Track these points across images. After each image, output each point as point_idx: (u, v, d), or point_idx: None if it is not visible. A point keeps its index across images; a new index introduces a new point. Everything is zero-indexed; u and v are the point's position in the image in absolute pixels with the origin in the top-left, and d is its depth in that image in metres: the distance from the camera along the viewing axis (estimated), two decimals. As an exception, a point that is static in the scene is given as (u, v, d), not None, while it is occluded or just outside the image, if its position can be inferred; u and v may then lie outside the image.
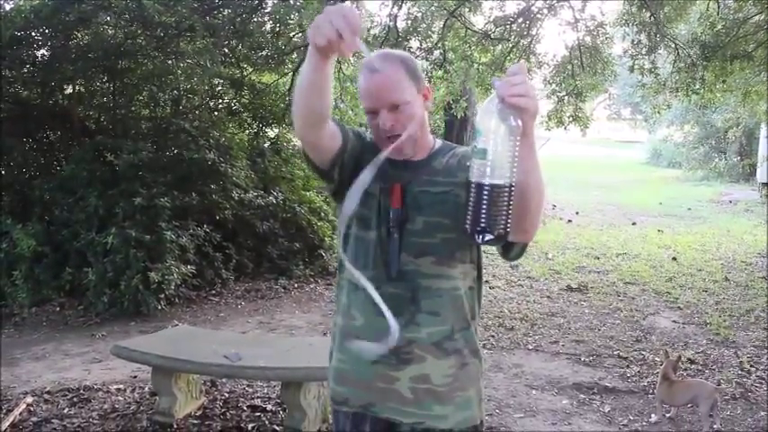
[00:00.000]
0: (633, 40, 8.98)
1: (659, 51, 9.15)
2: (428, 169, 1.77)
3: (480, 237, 1.40)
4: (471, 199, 1.39)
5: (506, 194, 1.38)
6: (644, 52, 8.91)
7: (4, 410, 4.15)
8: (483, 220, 1.38)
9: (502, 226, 1.40)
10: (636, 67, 8.86)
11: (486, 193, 1.37)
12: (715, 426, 3.93)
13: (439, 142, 1.87)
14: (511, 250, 1.67)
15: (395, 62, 1.73)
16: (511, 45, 9.30)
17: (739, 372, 4.92)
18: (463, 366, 1.77)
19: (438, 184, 1.74)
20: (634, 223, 12.85)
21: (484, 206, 1.37)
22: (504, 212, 1.39)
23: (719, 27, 8.53)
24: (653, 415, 4.12)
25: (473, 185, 1.39)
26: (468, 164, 1.47)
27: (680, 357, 4.46)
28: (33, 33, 7.31)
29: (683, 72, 8.88)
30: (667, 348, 4.62)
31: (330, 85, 1.55)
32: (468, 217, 1.40)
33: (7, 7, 7.51)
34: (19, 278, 6.39)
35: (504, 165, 1.36)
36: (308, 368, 3.59)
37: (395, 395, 1.74)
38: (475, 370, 1.81)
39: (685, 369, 4.94)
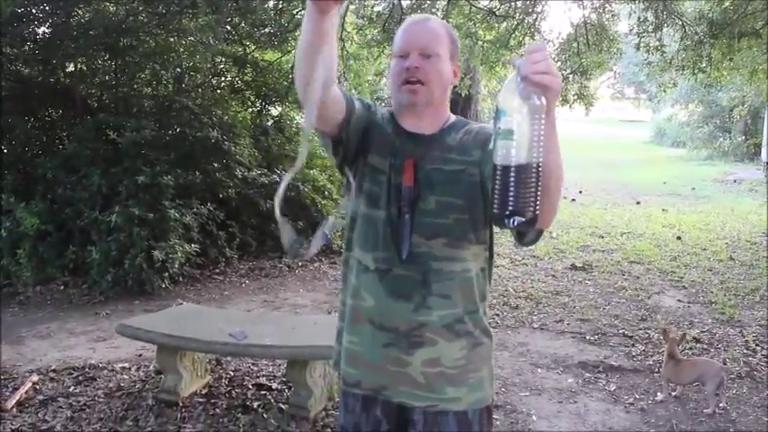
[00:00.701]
0: (639, 18, 8.89)
1: (666, 29, 9.06)
2: (441, 145, 1.72)
3: (511, 221, 1.33)
4: (498, 182, 1.33)
5: (534, 175, 1.32)
6: (650, 30, 8.82)
7: (10, 388, 4.15)
8: (511, 203, 1.32)
9: (532, 208, 1.33)
10: (642, 44, 8.78)
11: (513, 174, 1.31)
12: (721, 404, 3.93)
13: (453, 117, 1.81)
14: (526, 235, 1.62)
15: (442, 23, 1.80)
16: (516, 22, 9.23)
17: (745, 350, 4.91)
18: (474, 347, 1.74)
19: (451, 162, 1.70)
20: (638, 202, 12.82)
21: (512, 188, 1.31)
22: (533, 194, 1.33)
23: (727, 4, 8.43)
24: (659, 393, 4.12)
25: (499, 168, 1.33)
26: (484, 142, 1.43)
27: (684, 336, 4.45)
28: (34, 10, 7.23)
29: (689, 50, 8.81)
30: (666, 327, 4.59)
31: (333, 45, 1.48)
32: (496, 201, 1.34)
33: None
34: (23, 257, 6.37)
35: (530, 144, 1.31)
36: (314, 346, 3.58)
37: (407, 379, 1.71)
38: (486, 350, 1.78)
39: (691, 348, 4.93)
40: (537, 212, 1.34)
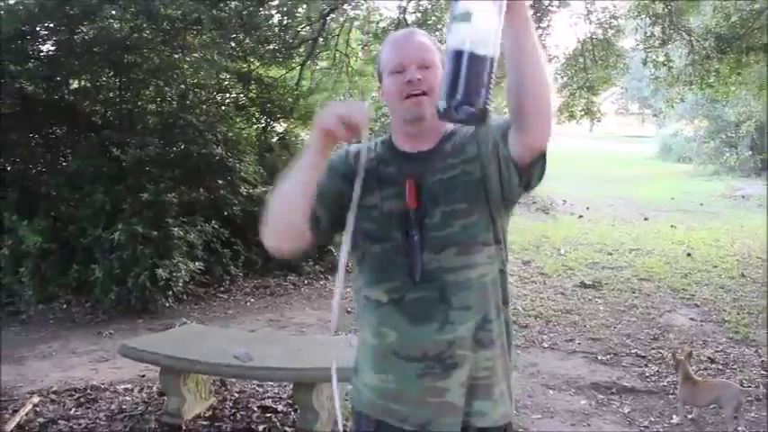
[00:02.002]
0: (646, 33, 8.86)
1: (672, 44, 9.03)
2: (440, 155, 1.65)
3: (458, 111, 1.23)
4: (449, 68, 1.24)
5: (489, 66, 1.22)
6: (657, 45, 8.78)
7: (10, 410, 4.06)
8: (461, 92, 1.22)
9: (483, 100, 1.23)
10: (649, 60, 8.74)
11: (466, 60, 1.21)
12: (739, 428, 3.82)
13: (451, 126, 1.72)
14: (532, 167, 1.53)
15: (426, 34, 1.75)
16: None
17: (762, 371, 4.79)
18: (499, 358, 1.66)
19: (451, 168, 1.63)
20: (646, 218, 12.71)
21: (463, 76, 1.21)
22: (485, 86, 1.23)
23: (735, 19, 8.39)
24: (674, 416, 4.01)
25: (451, 53, 1.23)
26: (479, 134, 1.38)
27: (690, 353, 4.34)
28: (38, 27, 7.21)
29: (696, 65, 8.77)
30: (673, 351, 4.44)
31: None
32: (444, 89, 1.24)
33: (11, 1, 7.41)
34: (25, 275, 6.31)
35: (487, 33, 1.22)
36: (320, 368, 3.47)
37: (449, 408, 1.61)
38: (508, 363, 1.70)
39: (705, 368, 4.82)
40: (488, 107, 1.24)
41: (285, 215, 1.60)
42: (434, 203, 1.61)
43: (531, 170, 1.54)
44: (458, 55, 1.23)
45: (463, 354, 1.60)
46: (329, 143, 1.53)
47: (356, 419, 1.77)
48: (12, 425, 3.82)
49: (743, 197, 16.10)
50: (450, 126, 1.71)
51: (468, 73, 1.22)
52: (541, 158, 1.53)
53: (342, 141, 1.50)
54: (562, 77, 10.07)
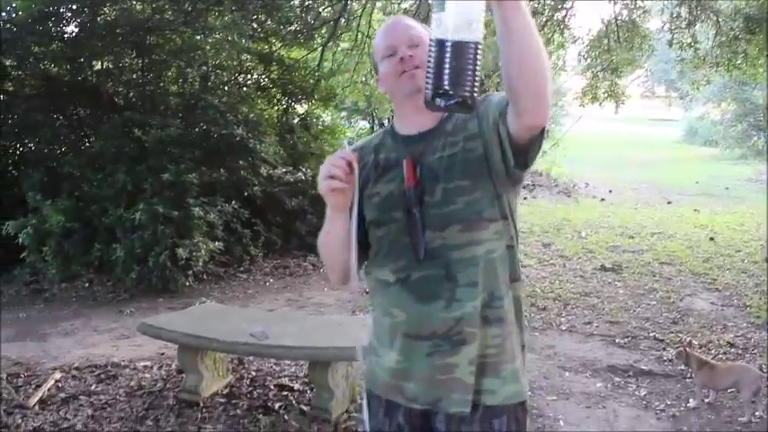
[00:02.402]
0: (672, 14, 8.70)
1: (699, 25, 8.86)
2: (442, 133, 1.66)
3: (443, 101, 1.26)
4: (432, 58, 1.26)
5: (473, 52, 1.24)
6: (683, 26, 8.62)
7: (33, 386, 4.15)
8: (447, 81, 1.24)
9: (468, 89, 1.25)
10: (675, 41, 8.58)
11: (449, 49, 1.23)
12: (757, 413, 3.78)
13: None
14: (531, 144, 1.53)
15: (413, 19, 1.81)
16: (545, 19, 9.06)
17: (782, 356, 4.75)
18: (508, 336, 1.65)
19: (452, 145, 1.63)
20: (669, 202, 12.58)
21: (447, 64, 1.24)
22: (470, 74, 1.25)
23: (764, -1, 8.20)
24: (691, 400, 3.98)
25: (433, 42, 1.26)
26: (480, 109, 1.43)
27: (690, 342, 4.36)
28: (61, 9, 7.27)
29: (724, 46, 8.59)
30: (679, 351, 4.33)
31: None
32: (429, 79, 1.27)
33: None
34: (48, 254, 6.41)
35: (469, 18, 1.23)
36: (336, 348, 3.50)
37: (459, 385, 1.62)
38: (519, 340, 1.69)
39: (725, 353, 4.79)
40: (474, 95, 1.26)
41: (333, 263, 1.76)
42: (434, 181, 1.61)
43: (530, 147, 1.54)
44: (441, 43, 1.24)
45: (471, 331, 1.60)
46: (337, 199, 1.61)
47: (368, 400, 1.79)
48: (34, 399, 3.90)
49: (770, 181, 15.83)
50: None
51: (452, 61, 1.23)
52: (539, 136, 1.52)
53: (344, 186, 1.57)
54: (585, 59, 9.94)
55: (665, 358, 4.69)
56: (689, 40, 8.57)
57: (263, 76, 9.17)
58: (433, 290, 1.61)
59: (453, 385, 1.62)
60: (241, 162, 7.48)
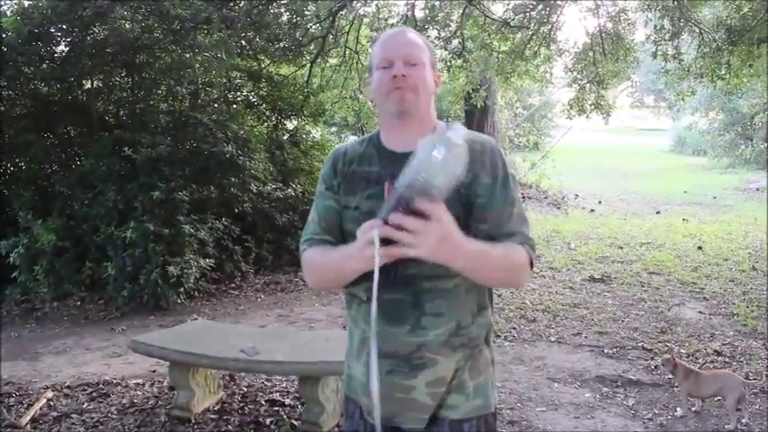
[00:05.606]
0: (656, 26, 8.80)
1: (683, 36, 8.97)
2: None
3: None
4: (387, 194, 1.47)
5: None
6: (667, 38, 8.72)
7: (25, 405, 4.16)
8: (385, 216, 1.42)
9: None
10: (659, 53, 8.69)
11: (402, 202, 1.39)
12: (743, 420, 3.84)
13: (441, 125, 1.65)
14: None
15: (418, 34, 1.78)
16: (531, 33, 9.18)
17: (768, 364, 4.80)
18: (471, 356, 1.69)
19: None
20: (658, 212, 12.66)
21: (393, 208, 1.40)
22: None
23: (746, 10, 8.31)
24: (678, 409, 4.02)
25: (395, 182, 1.41)
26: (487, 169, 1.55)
27: (672, 351, 4.45)
28: (51, 29, 7.32)
29: (707, 57, 8.70)
30: (664, 361, 4.36)
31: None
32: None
33: (26, 4, 7.53)
34: (40, 273, 6.43)
35: (432, 185, 1.36)
36: (325, 362, 3.55)
37: (415, 405, 1.67)
38: (484, 358, 1.73)
39: (712, 361, 4.84)
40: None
41: (321, 281, 1.79)
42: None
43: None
44: (396, 192, 1.40)
45: (432, 357, 1.64)
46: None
47: (346, 403, 1.86)
48: (26, 419, 3.92)
49: (757, 190, 15.96)
50: (439, 125, 1.67)
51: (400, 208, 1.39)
52: None
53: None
54: (572, 72, 10.04)
55: (653, 368, 4.74)
56: (673, 52, 8.68)
57: (253, 93, 9.23)
58: (399, 314, 1.64)
59: (410, 405, 1.67)
60: (231, 179, 7.51)
